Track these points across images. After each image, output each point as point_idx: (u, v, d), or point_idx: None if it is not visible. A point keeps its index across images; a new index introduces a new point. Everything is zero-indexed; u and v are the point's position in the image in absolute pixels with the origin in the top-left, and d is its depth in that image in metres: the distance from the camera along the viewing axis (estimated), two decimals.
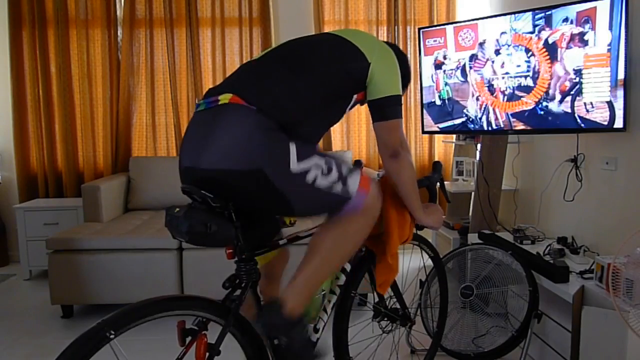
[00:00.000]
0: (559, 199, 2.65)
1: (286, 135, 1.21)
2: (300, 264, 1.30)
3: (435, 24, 3.71)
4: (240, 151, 1.14)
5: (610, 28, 2.12)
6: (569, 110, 2.30)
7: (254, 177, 1.15)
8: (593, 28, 2.18)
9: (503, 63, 2.57)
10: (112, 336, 1.01)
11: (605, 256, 1.85)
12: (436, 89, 2.95)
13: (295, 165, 1.18)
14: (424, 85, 3.01)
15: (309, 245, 1.32)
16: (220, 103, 1.21)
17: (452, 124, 2.89)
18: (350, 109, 1.41)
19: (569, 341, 1.85)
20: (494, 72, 2.61)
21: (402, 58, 1.50)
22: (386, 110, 1.33)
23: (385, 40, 1.56)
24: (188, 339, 1.15)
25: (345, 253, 1.35)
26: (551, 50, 2.35)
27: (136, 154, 3.75)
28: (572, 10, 2.25)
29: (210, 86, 3.65)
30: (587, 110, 2.23)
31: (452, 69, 2.84)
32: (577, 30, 2.24)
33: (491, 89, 2.64)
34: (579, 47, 2.24)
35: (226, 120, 1.17)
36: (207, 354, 1.14)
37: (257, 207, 1.25)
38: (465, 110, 2.80)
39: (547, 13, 2.34)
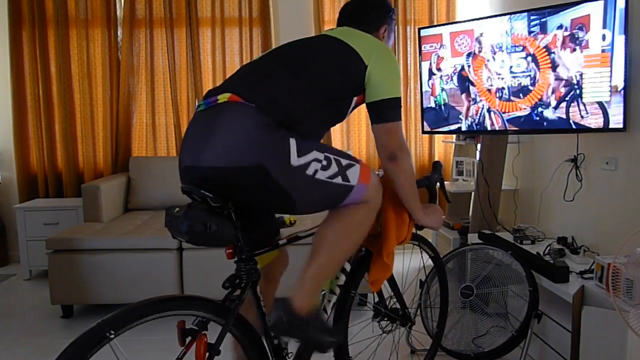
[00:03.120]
0: (559, 199, 2.65)
1: (285, 131, 1.21)
2: (307, 261, 1.30)
3: (435, 24, 3.71)
4: (240, 148, 1.14)
5: (604, 34, 2.13)
6: (564, 117, 2.32)
7: (255, 173, 1.15)
8: (587, 31, 2.19)
9: (500, 66, 2.57)
10: (112, 336, 1.01)
11: (605, 256, 1.85)
12: (432, 95, 2.95)
13: (295, 160, 1.19)
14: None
15: (314, 242, 1.32)
16: (219, 102, 1.21)
17: (448, 129, 2.90)
18: (351, 111, 1.41)
19: (569, 341, 1.85)
20: (490, 75, 2.61)
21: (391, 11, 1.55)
22: (384, 113, 1.33)
23: None
24: (188, 339, 1.15)
25: (350, 246, 1.35)
26: (547, 54, 2.35)
27: (136, 154, 3.75)
28: (567, 18, 2.26)
29: (210, 86, 3.66)
30: (582, 117, 2.25)
31: (448, 75, 2.84)
32: (571, 35, 2.25)
33: (488, 92, 2.64)
34: (575, 52, 2.25)
35: (225, 118, 1.17)
36: (207, 354, 1.14)
37: (258, 205, 1.25)
38: (460, 116, 2.80)
39: (542, 20, 2.35)
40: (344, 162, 1.28)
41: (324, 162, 1.24)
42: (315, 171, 1.22)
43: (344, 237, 1.32)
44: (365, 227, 1.36)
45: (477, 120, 2.72)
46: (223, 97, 1.22)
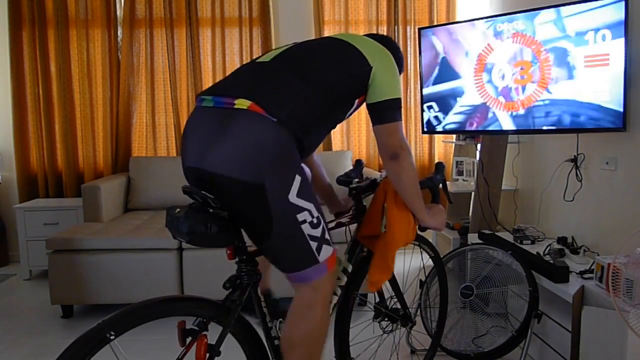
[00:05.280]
0: (559, 199, 2.66)
1: (297, 161, 1.21)
2: None
3: (435, 24, 3.71)
4: (249, 161, 1.13)
5: (604, 34, 2.13)
6: (564, 116, 2.32)
7: (253, 190, 1.14)
8: (588, 31, 2.19)
9: (500, 66, 2.57)
10: (112, 337, 1.01)
11: (605, 256, 1.85)
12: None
13: (293, 197, 1.18)
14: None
15: (282, 350, 1.30)
16: (236, 107, 1.18)
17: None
18: (351, 114, 1.42)
19: (569, 341, 1.85)
20: (490, 74, 2.61)
21: (394, 46, 1.53)
22: (386, 114, 1.33)
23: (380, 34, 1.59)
24: (188, 340, 1.15)
25: (320, 341, 1.31)
26: (547, 54, 2.35)
27: (136, 154, 3.75)
28: (567, 18, 2.25)
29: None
30: (581, 117, 2.25)
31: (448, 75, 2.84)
32: (571, 34, 2.25)
33: (490, 90, 2.64)
34: (574, 52, 2.25)
35: (243, 127, 1.15)
36: (208, 354, 1.14)
37: (242, 219, 1.23)
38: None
39: (542, 20, 2.35)
40: (327, 235, 1.28)
41: (315, 220, 1.23)
42: (304, 221, 1.21)
43: (311, 337, 1.28)
44: (327, 320, 1.32)
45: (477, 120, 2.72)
46: (242, 104, 1.18)
